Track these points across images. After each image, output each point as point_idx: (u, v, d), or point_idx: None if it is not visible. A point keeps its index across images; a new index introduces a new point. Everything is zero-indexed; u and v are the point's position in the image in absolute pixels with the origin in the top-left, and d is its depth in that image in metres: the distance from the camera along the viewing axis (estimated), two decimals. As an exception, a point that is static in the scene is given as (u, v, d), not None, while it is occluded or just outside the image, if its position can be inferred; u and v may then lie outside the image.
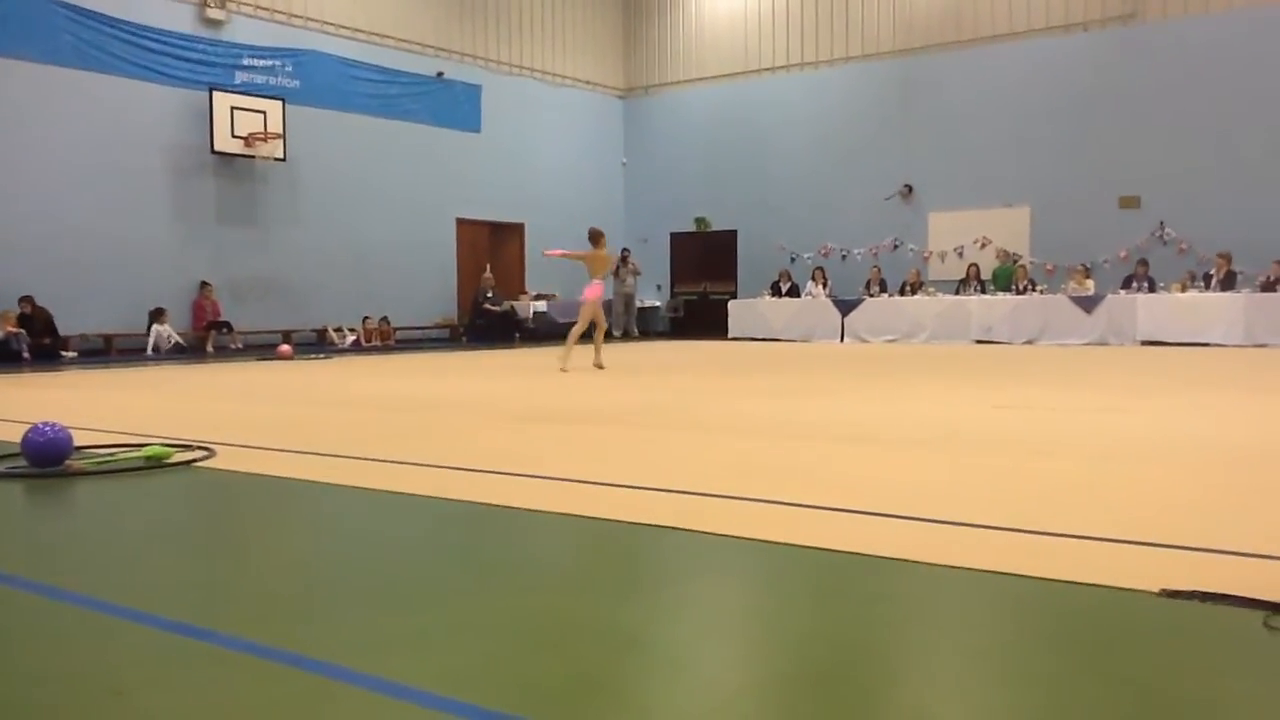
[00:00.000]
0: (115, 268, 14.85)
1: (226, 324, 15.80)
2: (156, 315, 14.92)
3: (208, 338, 15.47)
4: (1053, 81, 17.92)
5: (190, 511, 4.04)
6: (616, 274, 20.24)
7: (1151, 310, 15.15)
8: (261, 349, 15.56)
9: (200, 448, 5.05)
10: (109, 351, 14.72)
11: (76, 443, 4.77)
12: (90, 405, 7.71)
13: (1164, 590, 2.46)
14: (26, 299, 13.83)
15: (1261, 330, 14.31)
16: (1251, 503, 3.63)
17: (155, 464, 4.66)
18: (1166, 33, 17.05)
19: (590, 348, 11.08)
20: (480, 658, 2.16)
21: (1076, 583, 2.58)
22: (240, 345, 15.85)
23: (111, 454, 4.87)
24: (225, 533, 3.66)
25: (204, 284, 15.72)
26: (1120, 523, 3.22)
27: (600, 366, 10.79)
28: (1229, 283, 15.30)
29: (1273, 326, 14.26)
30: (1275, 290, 14.66)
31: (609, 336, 19.60)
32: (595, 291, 10.84)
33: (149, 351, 14.69)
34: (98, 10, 14.70)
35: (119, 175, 14.94)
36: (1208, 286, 15.37)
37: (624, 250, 20.63)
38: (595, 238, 11.06)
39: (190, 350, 15.20)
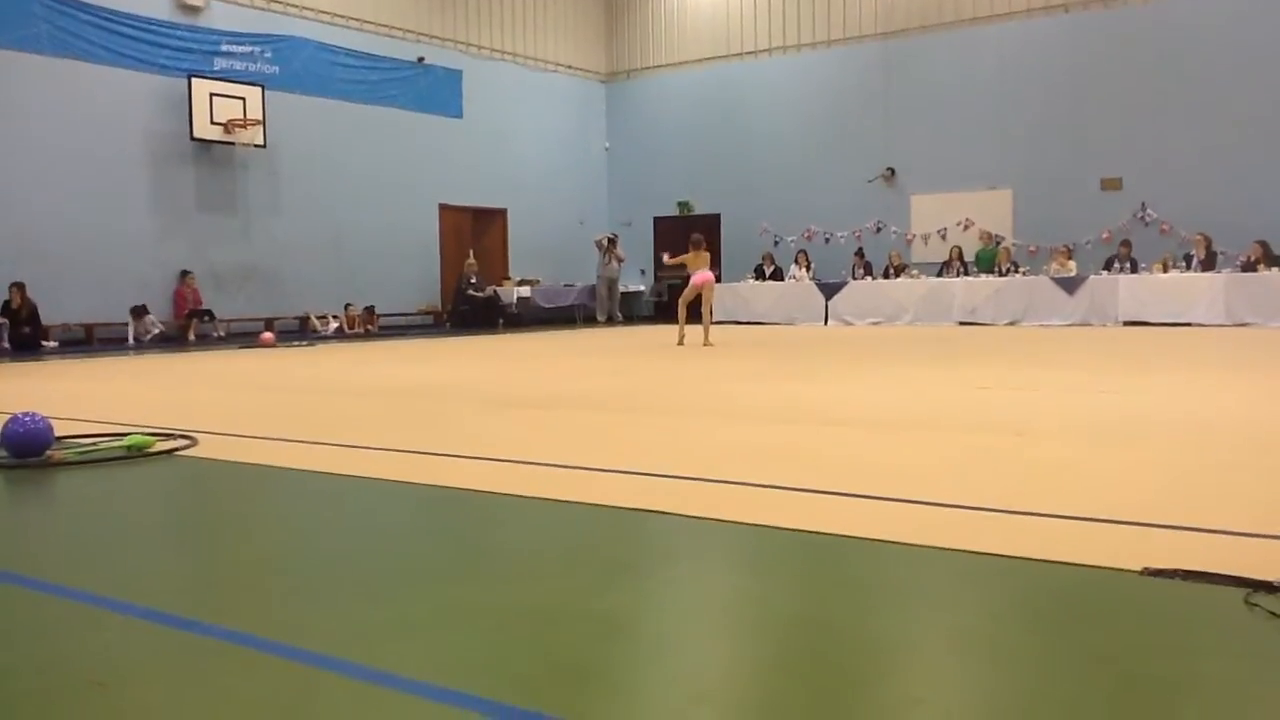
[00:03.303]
0: (94, 257, 14.72)
1: (208, 312, 15.70)
2: (136, 312, 14.78)
3: (189, 326, 15.37)
4: (1034, 64, 17.94)
5: (173, 501, 4.02)
6: (606, 259, 20.23)
7: (1133, 291, 15.22)
8: (244, 337, 15.47)
9: (182, 436, 5.01)
10: (89, 341, 14.61)
11: (57, 433, 4.73)
12: (71, 395, 7.65)
13: (1146, 569, 2.47)
14: (17, 286, 13.66)
15: (1242, 309, 14.40)
16: (1233, 481, 3.65)
17: (137, 453, 4.63)
18: (1147, 15, 17.09)
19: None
20: (467, 645, 2.16)
21: (1059, 562, 2.59)
22: (222, 333, 15.77)
23: (93, 444, 4.83)
24: (208, 522, 3.65)
25: (185, 272, 15.60)
26: (1103, 502, 3.23)
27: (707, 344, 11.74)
28: (1210, 263, 15.39)
29: (1253, 306, 14.36)
30: (1255, 270, 14.76)
31: (594, 322, 19.80)
32: (696, 277, 12.11)
33: (130, 341, 14.60)
34: (73, -4, 14.53)
35: (97, 163, 14.79)
36: (1189, 267, 15.46)
37: (611, 236, 20.58)
38: (694, 245, 12.26)
39: (172, 339, 15.10)
